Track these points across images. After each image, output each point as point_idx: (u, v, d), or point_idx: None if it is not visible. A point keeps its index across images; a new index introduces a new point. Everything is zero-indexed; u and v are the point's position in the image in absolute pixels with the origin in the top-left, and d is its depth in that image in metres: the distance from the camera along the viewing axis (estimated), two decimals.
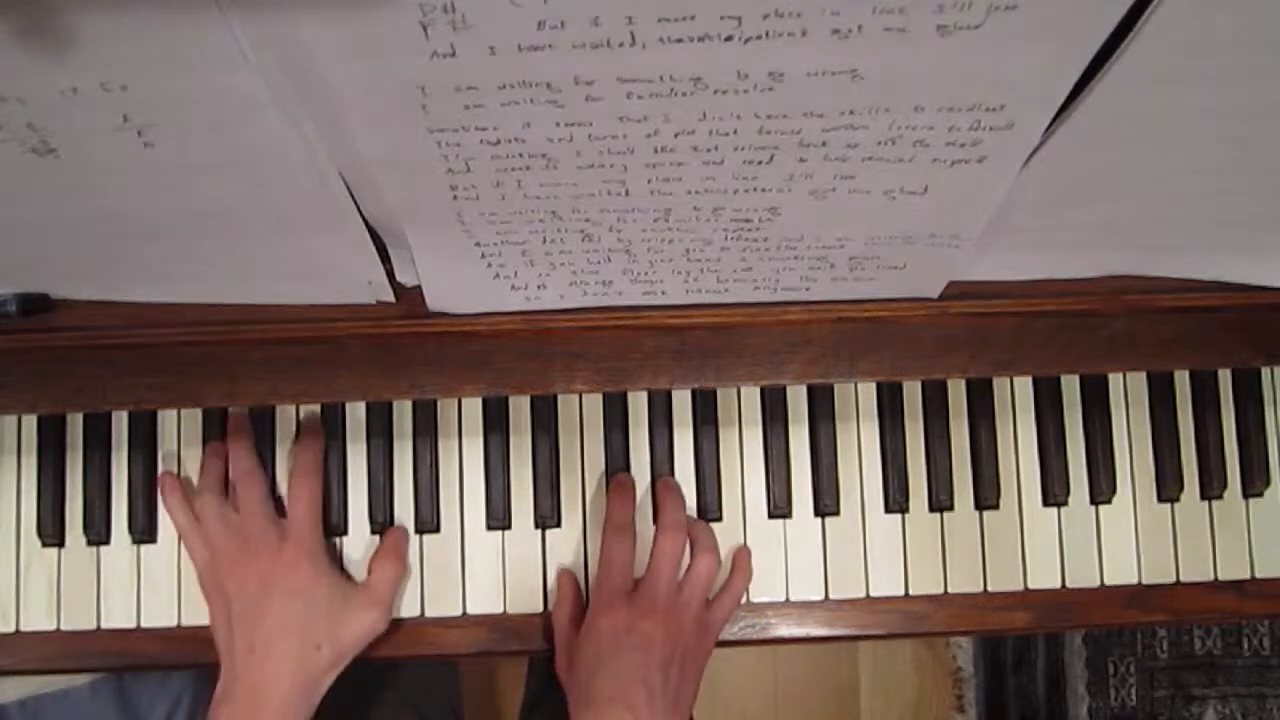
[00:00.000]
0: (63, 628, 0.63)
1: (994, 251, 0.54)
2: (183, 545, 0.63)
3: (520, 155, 0.41)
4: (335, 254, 0.52)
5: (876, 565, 0.64)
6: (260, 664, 0.56)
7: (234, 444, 0.62)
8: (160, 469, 0.64)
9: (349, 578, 0.62)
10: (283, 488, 0.64)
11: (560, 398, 0.65)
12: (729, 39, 0.33)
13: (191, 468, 0.64)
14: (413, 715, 0.80)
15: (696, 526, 0.63)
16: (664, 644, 0.57)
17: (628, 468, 0.65)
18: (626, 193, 0.45)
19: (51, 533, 0.64)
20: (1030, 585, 0.64)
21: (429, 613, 0.64)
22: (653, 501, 0.64)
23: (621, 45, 0.34)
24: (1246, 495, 0.65)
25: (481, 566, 0.64)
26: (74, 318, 0.58)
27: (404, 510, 0.64)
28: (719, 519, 0.65)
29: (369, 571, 0.62)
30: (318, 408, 0.64)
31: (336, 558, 0.63)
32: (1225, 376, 0.66)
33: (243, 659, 0.56)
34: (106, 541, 0.64)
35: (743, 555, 0.64)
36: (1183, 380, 0.66)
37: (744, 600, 0.64)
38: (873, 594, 0.64)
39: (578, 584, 0.63)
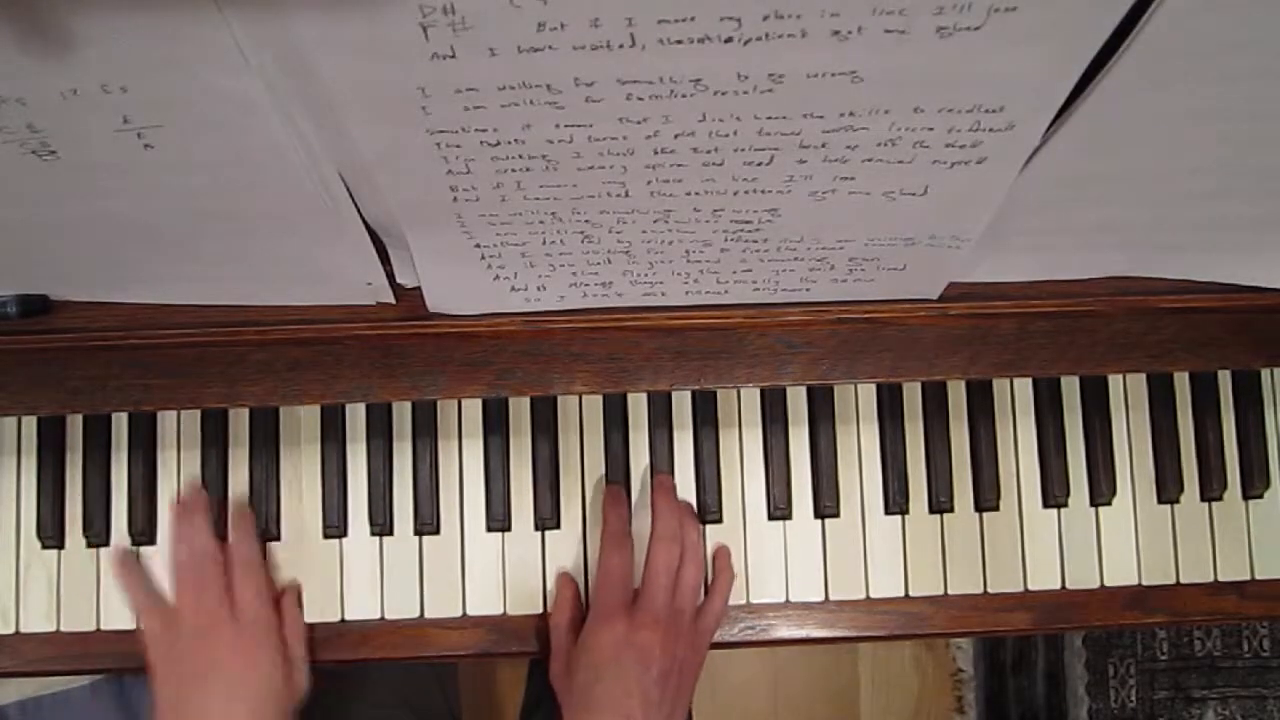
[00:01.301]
0: (63, 629, 0.63)
1: (994, 253, 0.54)
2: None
3: (520, 157, 0.41)
4: (335, 255, 0.52)
5: (876, 567, 0.64)
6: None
7: (189, 522, 0.62)
8: (114, 551, 0.63)
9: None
10: (285, 496, 0.64)
11: (560, 399, 0.65)
12: (729, 40, 0.33)
13: (192, 468, 0.64)
14: (410, 717, 0.80)
15: (685, 532, 0.62)
16: (662, 655, 0.57)
17: (627, 469, 0.65)
18: (626, 194, 0.45)
19: (51, 534, 0.64)
20: (1030, 586, 0.64)
21: (429, 614, 0.64)
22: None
23: (621, 47, 0.34)
24: (1246, 497, 0.65)
25: (481, 568, 0.64)
26: (73, 319, 0.58)
27: (404, 511, 0.64)
28: (719, 520, 0.65)
29: (284, 642, 0.61)
30: (317, 409, 0.64)
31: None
32: (1225, 378, 0.66)
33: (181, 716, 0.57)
34: (106, 543, 0.64)
35: (722, 555, 0.64)
36: (1182, 382, 0.66)
37: (744, 601, 0.64)
38: (873, 595, 0.64)
39: (578, 590, 0.63)
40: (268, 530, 0.64)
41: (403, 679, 0.82)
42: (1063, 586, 0.64)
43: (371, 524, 0.64)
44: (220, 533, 0.63)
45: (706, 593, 0.63)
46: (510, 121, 0.38)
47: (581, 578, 0.64)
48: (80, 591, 0.63)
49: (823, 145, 0.41)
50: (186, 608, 0.60)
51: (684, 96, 0.37)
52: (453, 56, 0.34)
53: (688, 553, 0.61)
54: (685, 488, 0.65)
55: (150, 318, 0.58)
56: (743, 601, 0.64)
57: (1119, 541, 0.65)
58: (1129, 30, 0.34)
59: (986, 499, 0.65)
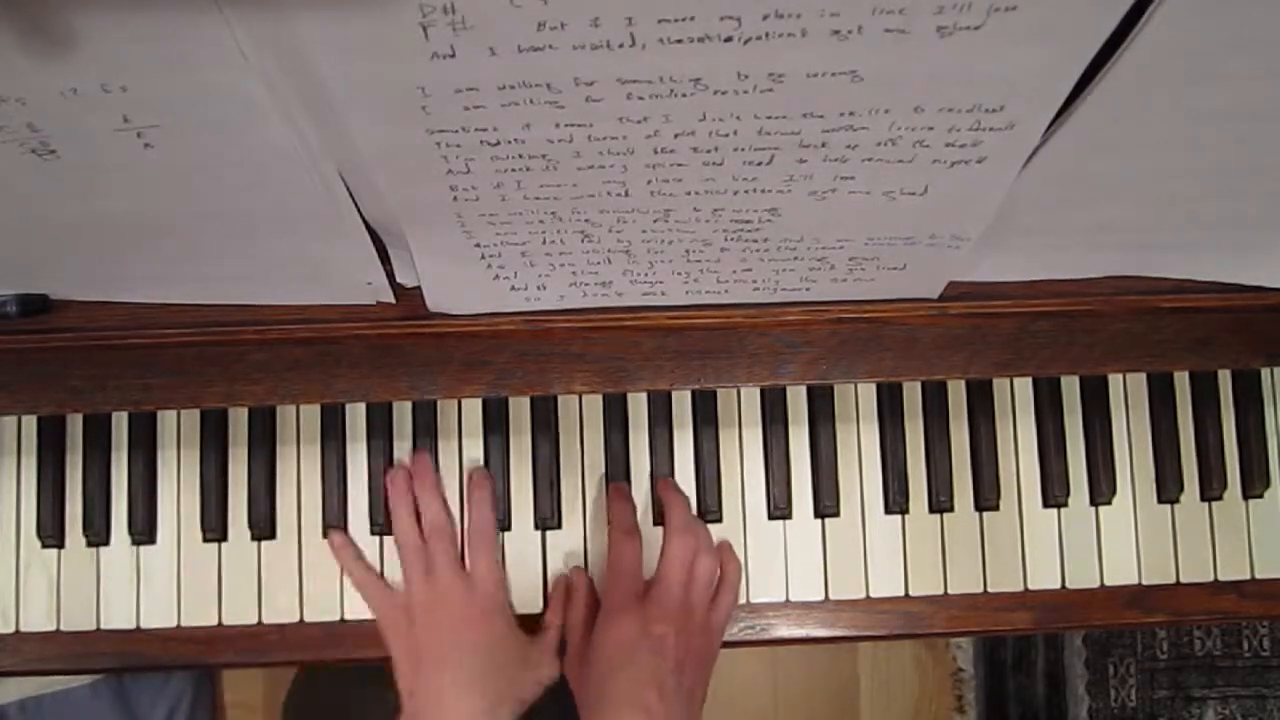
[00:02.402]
0: (63, 629, 0.63)
1: (994, 252, 0.54)
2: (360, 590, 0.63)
3: (520, 156, 0.41)
4: (335, 255, 0.52)
5: (876, 566, 0.64)
6: (436, 714, 0.57)
7: (424, 490, 0.62)
8: (334, 537, 0.63)
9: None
10: (283, 497, 0.64)
11: (560, 398, 0.65)
12: (729, 40, 0.33)
13: (192, 468, 0.64)
14: None
15: (695, 526, 0.63)
16: (677, 647, 0.57)
17: (628, 468, 0.65)
18: (626, 194, 0.45)
19: (51, 533, 0.64)
20: (1030, 586, 0.64)
21: None
22: (654, 502, 0.64)
23: (621, 46, 0.34)
24: (1246, 496, 0.65)
25: None
26: (73, 318, 0.58)
27: None
28: (719, 520, 0.65)
29: (546, 624, 0.62)
30: (317, 409, 0.64)
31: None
32: (1225, 377, 0.66)
33: (421, 705, 0.57)
34: (106, 542, 0.64)
35: (726, 548, 0.64)
36: (1183, 381, 0.66)
37: (744, 601, 0.64)
38: (873, 595, 0.64)
39: (592, 585, 0.63)
40: (267, 530, 0.64)
41: None
42: (1063, 586, 0.64)
43: (372, 524, 0.64)
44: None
45: (717, 585, 0.63)
46: (510, 121, 0.38)
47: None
48: (80, 591, 0.63)
49: (823, 145, 0.41)
50: (418, 583, 0.60)
51: (684, 96, 0.37)
52: (453, 56, 0.34)
53: (701, 545, 0.61)
54: (685, 487, 0.65)
55: (150, 318, 0.58)
56: (743, 601, 0.64)
57: (1119, 541, 0.65)
58: (1129, 30, 0.34)
59: (986, 499, 0.65)
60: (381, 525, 0.64)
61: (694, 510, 0.65)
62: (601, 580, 0.63)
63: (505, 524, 0.64)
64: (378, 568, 0.64)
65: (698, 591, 0.60)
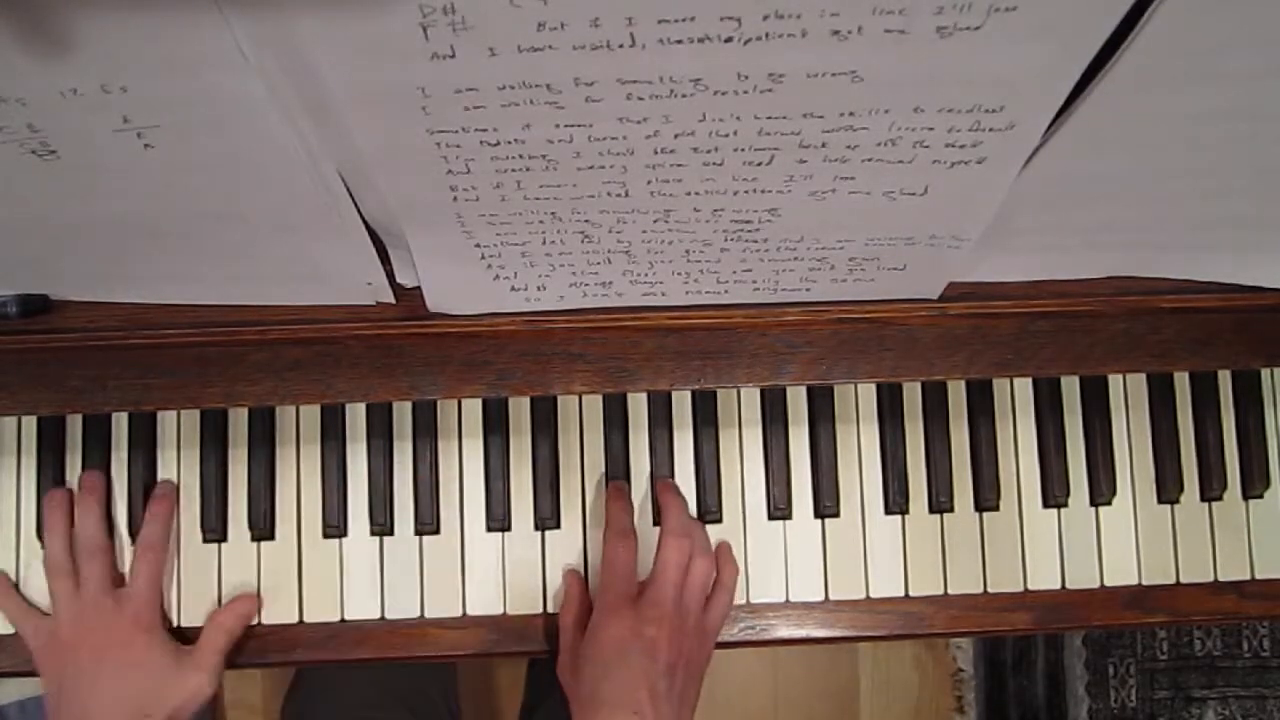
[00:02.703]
0: None
1: (994, 252, 0.54)
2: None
3: (520, 156, 0.41)
4: (335, 255, 0.52)
5: (876, 566, 0.64)
6: None
7: (84, 507, 0.62)
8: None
9: (185, 642, 0.61)
10: (282, 498, 0.64)
11: (560, 399, 0.65)
12: (729, 40, 0.33)
13: (191, 468, 0.64)
14: (409, 719, 0.80)
15: (693, 529, 0.62)
16: (669, 649, 0.57)
17: (627, 469, 0.65)
18: (626, 194, 0.45)
19: None
20: (1030, 586, 0.64)
21: (429, 613, 0.64)
22: (653, 502, 0.64)
23: (621, 46, 0.34)
24: (1246, 496, 0.65)
25: (481, 568, 0.64)
26: (73, 319, 0.58)
27: (404, 511, 0.64)
28: (719, 520, 0.65)
29: (201, 635, 0.61)
30: (317, 409, 0.64)
31: (171, 627, 0.63)
32: (1225, 378, 0.66)
33: None
34: None
35: (724, 550, 0.64)
36: (1183, 381, 0.66)
37: (744, 601, 0.64)
38: (873, 595, 0.64)
39: (585, 586, 0.63)
40: (267, 531, 0.64)
41: (403, 682, 0.82)
42: (1063, 586, 0.64)
43: (371, 524, 0.64)
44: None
45: (713, 587, 0.63)
46: (510, 121, 0.38)
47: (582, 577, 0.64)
48: None
49: (823, 145, 0.41)
50: (64, 606, 0.60)
51: (684, 96, 0.37)
52: (453, 56, 0.34)
53: (697, 548, 0.61)
54: (685, 488, 0.65)
55: (150, 318, 0.58)
56: (743, 601, 0.64)
57: (1119, 541, 0.65)
58: (1129, 30, 0.34)
59: (986, 499, 0.65)
60: (381, 525, 0.64)
61: (694, 510, 0.65)
62: (596, 581, 0.63)
63: (505, 524, 0.64)
64: (376, 570, 0.64)
65: (692, 594, 0.60)
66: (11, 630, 0.63)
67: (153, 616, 0.60)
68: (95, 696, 0.57)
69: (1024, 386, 0.66)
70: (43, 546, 0.62)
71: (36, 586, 0.63)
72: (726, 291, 0.56)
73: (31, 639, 0.61)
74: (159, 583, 0.61)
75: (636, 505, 0.64)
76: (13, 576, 0.63)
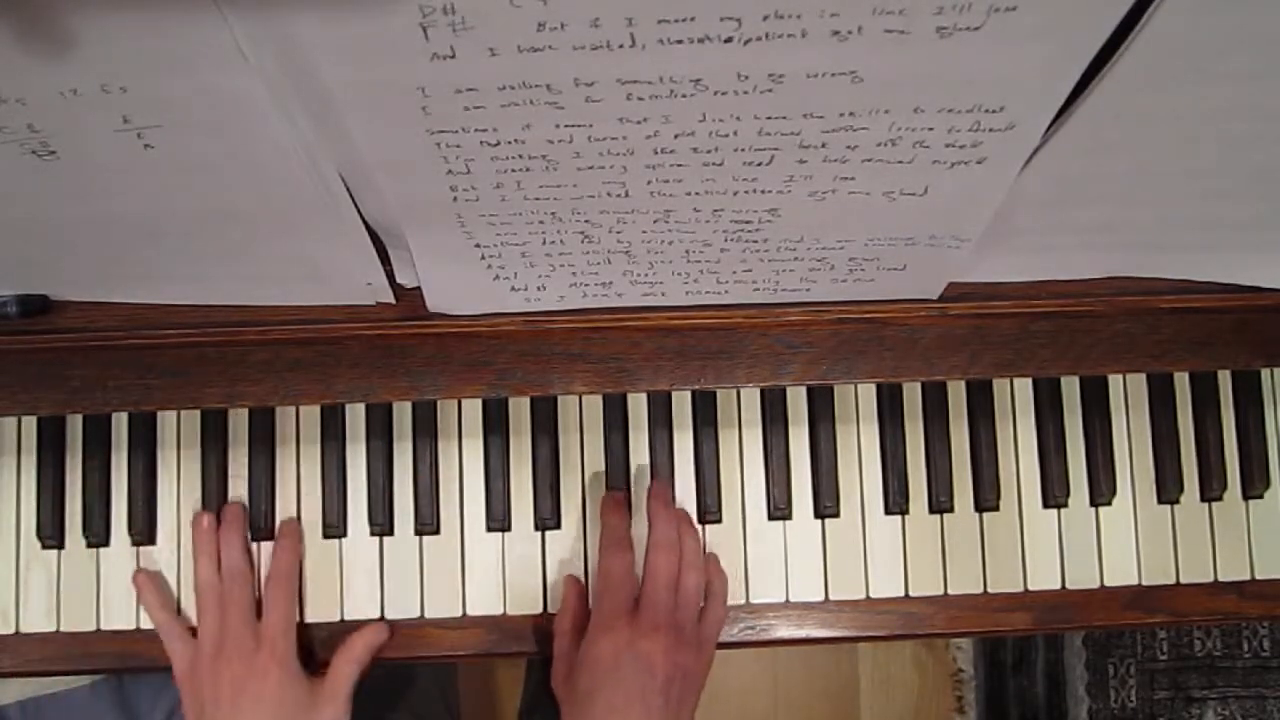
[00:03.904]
0: (62, 629, 0.63)
1: (994, 253, 0.54)
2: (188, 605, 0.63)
3: (520, 157, 0.41)
4: (335, 255, 0.52)
5: (876, 567, 0.64)
6: None
7: (228, 536, 0.63)
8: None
9: (314, 675, 0.62)
10: (282, 497, 0.64)
11: (560, 399, 0.65)
12: (729, 40, 0.33)
13: (192, 468, 0.64)
14: (410, 719, 0.80)
15: (683, 539, 0.62)
16: (665, 663, 0.56)
17: (627, 469, 0.65)
18: (626, 194, 0.45)
19: (51, 534, 0.64)
20: (1030, 586, 0.64)
21: (429, 614, 0.64)
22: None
23: (621, 47, 0.34)
24: (1246, 497, 0.65)
25: (481, 568, 0.64)
26: (73, 319, 0.58)
27: (404, 511, 0.64)
28: (719, 520, 0.65)
29: (330, 666, 0.62)
30: (317, 409, 0.64)
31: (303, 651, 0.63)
32: (1225, 378, 0.66)
33: None
34: (106, 543, 0.64)
35: (713, 561, 0.64)
36: (1183, 382, 0.66)
37: (744, 601, 0.64)
38: (873, 595, 0.64)
39: (583, 593, 0.63)
40: (267, 531, 0.64)
41: (402, 683, 0.82)
42: (1063, 586, 0.64)
43: (371, 524, 0.64)
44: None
45: (705, 599, 0.62)
46: (510, 121, 0.38)
47: (582, 578, 0.64)
48: (80, 591, 0.63)
49: (823, 145, 0.41)
50: (209, 632, 0.61)
51: (684, 96, 0.37)
52: (453, 56, 0.34)
53: (687, 559, 0.61)
54: (685, 488, 0.65)
55: (150, 318, 0.58)
56: (743, 601, 0.64)
57: (1119, 541, 0.65)
58: (1129, 30, 0.34)
59: (986, 499, 0.65)
60: (381, 525, 0.64)
61: (693, 511, 0.65)
62: (592, 587, 0.63)
63: (505, 524, 0.64)
64: (376, 570, 0.64)
65: (686, 606, 0.59)
66: (12, 630, 0.63)
67: (288, 649, 0.60)
68: None
69: (1024, 386, 0.66)
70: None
71: (36, 591, 0.63)
72: (726, 292, 0.56)
73: (177, 657, 0.61)
74: (293, 615, 0.62)
75: (635, 508, 0.64)
76: (12, 577, 0.63)
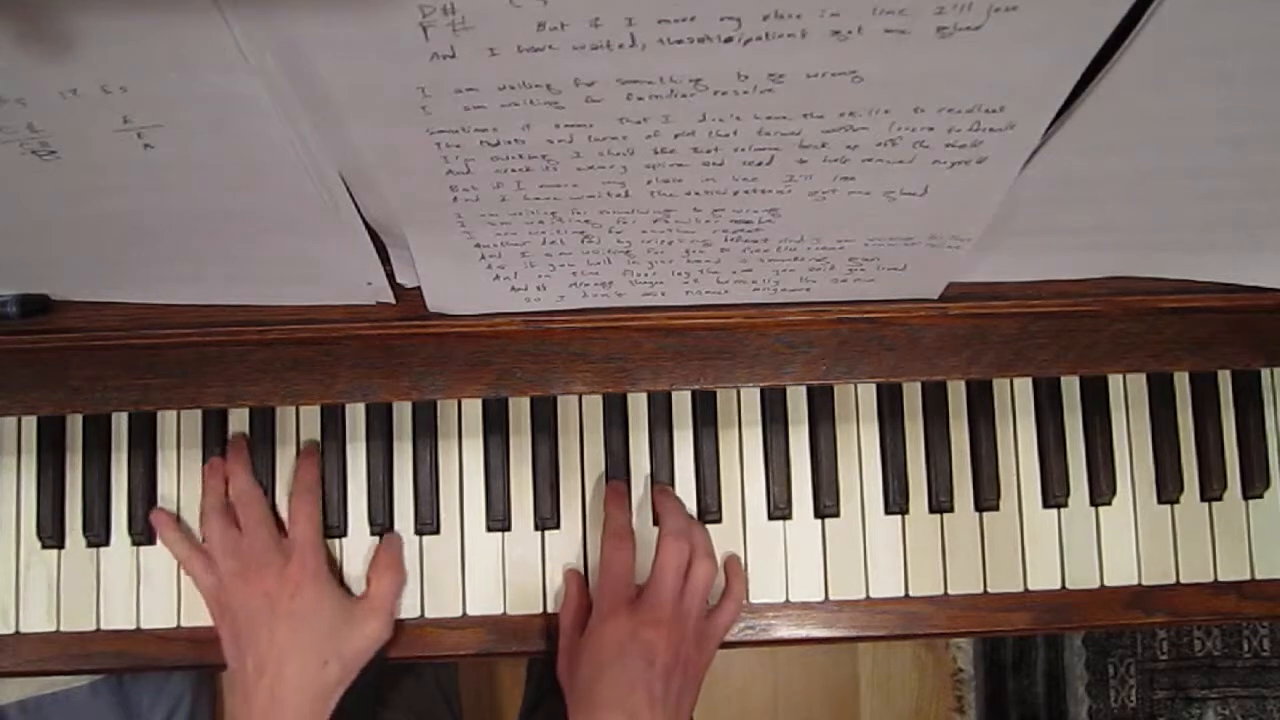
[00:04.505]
0: (63, 629, 0.63)
1: (994, 253, 0.54)
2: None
3: (520, 157, 0.41)
4: (335, 255, 0.52)
5: (876, 566, 0.64)
6: (270, 685, 0.56)
7: (233, 464, 0.63)
8: (157, 502, 0.64)
9: (349, 590, 0.62)
10: (282, 496, 0.64)
11: (560, 399, 0.65)
12: (729, 40, 0.33)
13: (192, 468, 0.64)
14: (410, 719, 0.80)
15: (694, 532, 0.62)
16: (666, 652, 0.56)
17: (627, 469, 0.65)
18: (626, 194, 0.45)
19: (51, 534, 0.64)
20: (1030, 586, 0.64)
21: (429, 614, 0.64)
22: (652, 506, 0.64)
23: (622, 47, 0.34)
24: (1246, 497, 0.65)
25: (481, 568, 0.64)
26: (74, 319, 0.58)
27: (404, 511, 0.64)
28: (719, 520, 0.65)
29: (368, 582, 0.62)
30: (317, 409, 0.64)
31: (336, 570, 0.63)
32: (1225, 378, 0.66)
33: (253, 680, 0.57)
34: (106, 543, 0.64)
35: (734, 562, 0.64)
36: (1183, 382, 0.66)
37: (744, 601, 0.64)
38: (873, 595, 0.64)
39: (584, 586, 0.63)
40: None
41: (404, 682, 0.82)
42: (1063, 586, 0.64)
43: (371, 524, 0.64)
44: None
45: (720, 598, 0.63)
46: (510, 121, 0.38)
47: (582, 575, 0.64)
48: (80, 591, 0.63)
49: (823, 145, 0.41)
50: (229, 550, 0.60)
51: (684, 96, 0.37)
52: (453, 56, 0.34)
53: (698, 552, 0.61)
54: (685, 488, 0.65)
55: (150, 318, 0.58)
56: (743, 601, 0.64)
57: (1119, 541, 0.65)
58: (1129, 30, 0.34)
59: (986, 499, 0.65)
60: (381, 525, 0.64)
61: (694, 510, 0.65)
62: (595, 581, 0.63)
63: (505, 524, 0.64)
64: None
65: (692, 598, 0.60)
66: (12, 630, 0.63)
67: (318, 561, 0.60)
68: (272, 647, 0.57)
69: (1024, 386, 0.66)
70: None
71: (36, 591, 0.63)
72: (726, 291, 0.56)
73: (201, 581, 0.60)
74: (319, 525, 0.61)
75: (636, 506, 0.64)
76: (13, 576, 0.63)
